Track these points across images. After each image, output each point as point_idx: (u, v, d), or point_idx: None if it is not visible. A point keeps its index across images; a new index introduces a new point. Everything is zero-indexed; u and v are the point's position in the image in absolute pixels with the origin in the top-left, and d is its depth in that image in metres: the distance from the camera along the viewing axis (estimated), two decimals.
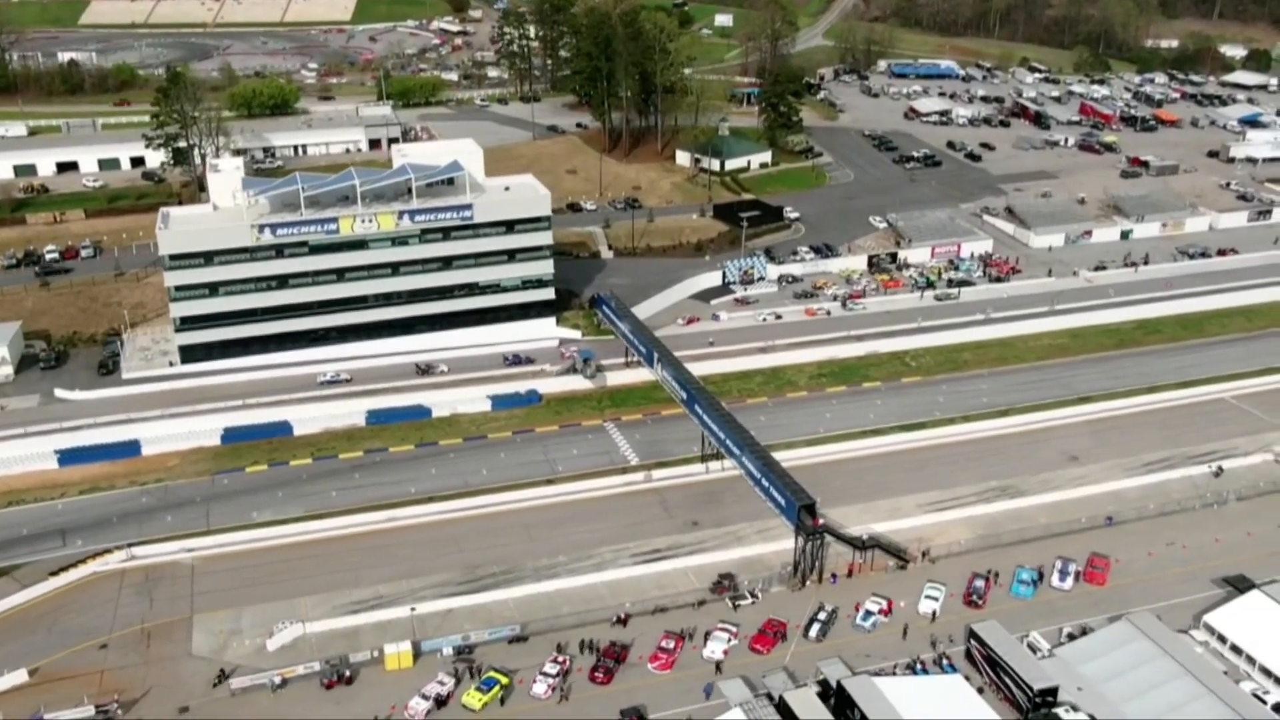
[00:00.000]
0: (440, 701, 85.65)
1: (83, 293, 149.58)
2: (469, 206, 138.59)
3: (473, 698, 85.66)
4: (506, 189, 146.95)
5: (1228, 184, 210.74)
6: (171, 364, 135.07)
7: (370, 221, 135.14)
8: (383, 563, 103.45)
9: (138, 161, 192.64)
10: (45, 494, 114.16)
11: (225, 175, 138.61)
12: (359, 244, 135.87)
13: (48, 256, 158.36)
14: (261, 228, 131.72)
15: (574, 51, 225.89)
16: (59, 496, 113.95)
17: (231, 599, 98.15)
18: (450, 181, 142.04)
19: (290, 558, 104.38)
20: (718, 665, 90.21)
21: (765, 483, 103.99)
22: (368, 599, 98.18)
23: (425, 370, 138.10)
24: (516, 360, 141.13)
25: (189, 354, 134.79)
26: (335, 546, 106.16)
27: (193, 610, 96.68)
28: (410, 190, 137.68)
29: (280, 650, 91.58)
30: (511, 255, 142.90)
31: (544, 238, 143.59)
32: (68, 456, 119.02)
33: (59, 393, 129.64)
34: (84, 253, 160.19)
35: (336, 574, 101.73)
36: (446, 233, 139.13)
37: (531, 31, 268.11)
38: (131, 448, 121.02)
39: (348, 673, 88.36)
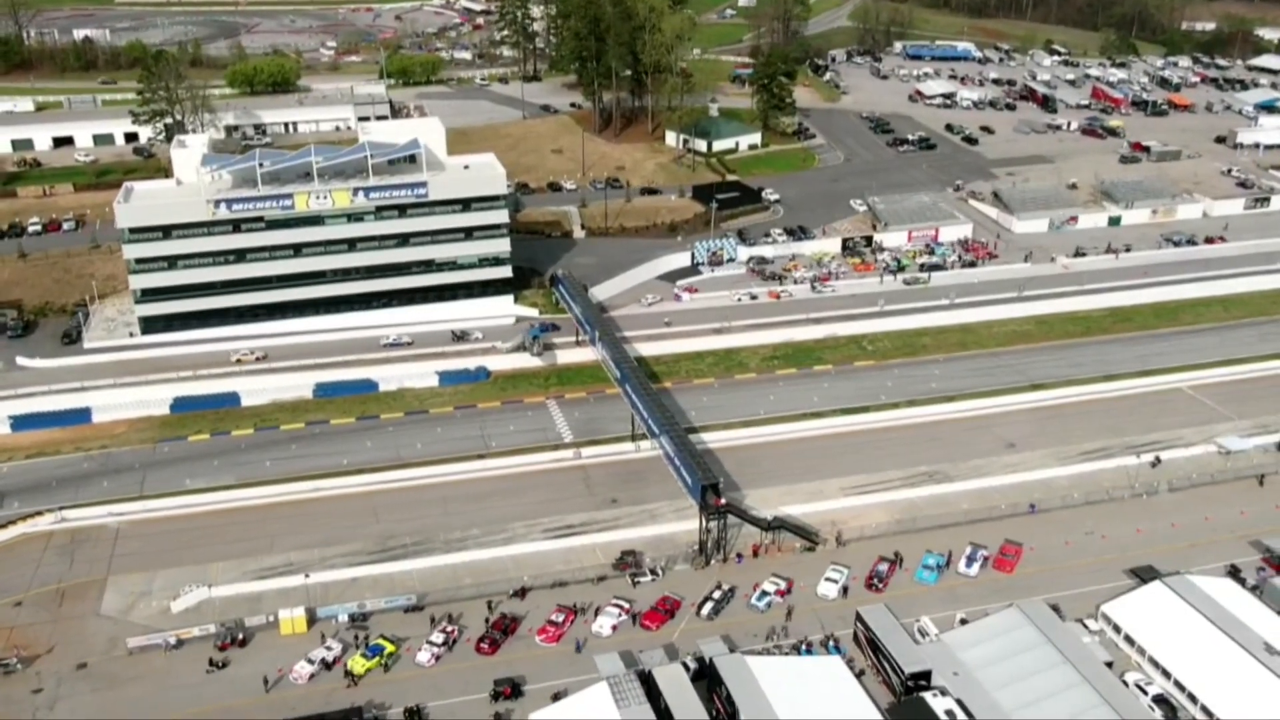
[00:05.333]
0: (327, 666, 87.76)
1: (58, 264, 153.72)
2: (423, 184, 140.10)
3: (357, 663, 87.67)
4: (466, 167, 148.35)
5: (1229, 170, 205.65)
6: (132, 335, 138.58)
7: (325, 198, 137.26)
8: (300, 531, 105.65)
9: (131, 137, 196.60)
10: None
11: (189, 150, 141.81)
12: (315, 220, 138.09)
13: (30, 229, 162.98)
14: (217, 203, 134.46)
15: (567, 31, 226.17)
16: (6, 460, 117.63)
17: (148, 562, 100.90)
18: (412, 159, 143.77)
19: (213, 524, 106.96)
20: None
21: (677, 462, 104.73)
22: (277, 565, 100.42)
23: (460, 337, 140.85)
24: (544, 329, 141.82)
25: (149, 325, 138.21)
26: (257, 515, 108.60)
27: (109, 572, 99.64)
28: (368, 167, 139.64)
29: (184, 612, 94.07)
30: (468, 233, 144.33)
31: (500, 216, 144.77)
32: (21, 422, 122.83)
33: (20, 360, 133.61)
34: (65, 225, 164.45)
35: (253, 541, 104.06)
36: (402, 210, 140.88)
37: (536, 11, 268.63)
38: (83, 415, 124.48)
39: (241, 636, 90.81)
